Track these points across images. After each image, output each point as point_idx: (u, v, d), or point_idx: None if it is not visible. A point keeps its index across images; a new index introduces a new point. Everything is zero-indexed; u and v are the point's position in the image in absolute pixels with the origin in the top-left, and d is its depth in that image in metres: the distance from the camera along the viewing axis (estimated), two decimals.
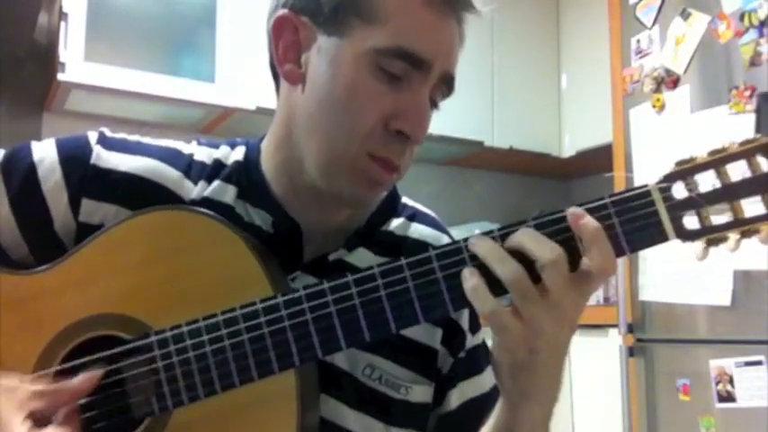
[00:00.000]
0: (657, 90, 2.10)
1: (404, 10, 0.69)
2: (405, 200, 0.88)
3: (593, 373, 2.59)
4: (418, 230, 0.84)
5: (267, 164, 0.79)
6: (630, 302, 2.15)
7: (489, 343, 0.70)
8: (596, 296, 2.81)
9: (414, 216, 0.85)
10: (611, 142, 2.31)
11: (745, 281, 1.84)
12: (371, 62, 0.69)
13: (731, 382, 1.86)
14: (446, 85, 0.74)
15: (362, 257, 0.78)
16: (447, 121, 2.90)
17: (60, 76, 2.17)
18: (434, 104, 0.75)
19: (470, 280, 0.62)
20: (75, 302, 0.69)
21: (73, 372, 0.66)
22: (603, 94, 2.46)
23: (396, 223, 0.83)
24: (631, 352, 2.15)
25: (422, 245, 0.82)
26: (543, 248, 0.60)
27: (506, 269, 0.60)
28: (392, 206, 0.84)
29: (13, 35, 2.45)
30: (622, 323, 2.16)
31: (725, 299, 1.87)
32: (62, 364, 0.68)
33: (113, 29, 2.27)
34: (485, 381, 0.83)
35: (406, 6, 0.69)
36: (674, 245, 0.63)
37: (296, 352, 0.64)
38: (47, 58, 2.44)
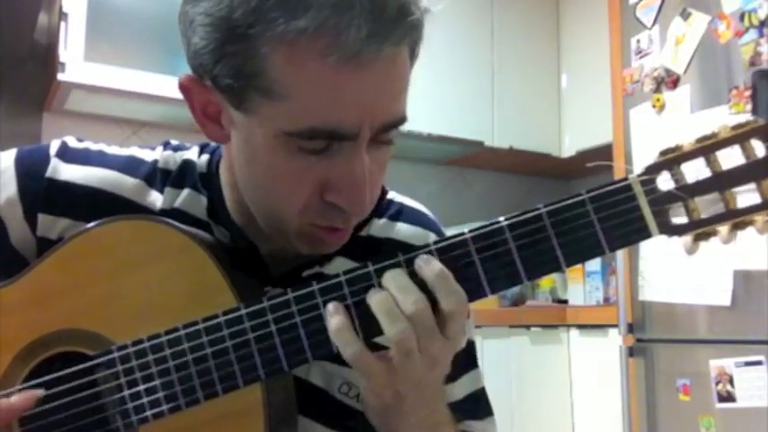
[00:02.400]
0: (657, 90, 2.10)
1: (304, 80, 0.57)
2: (391, 195, 0.82)
3: (593, 373, 2.59)
4: (402, 230, 0.79)
5: (225, 189, 0.74)
6: (630, 302, 2.15)
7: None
8: (596, 296, 2.81)
9: (399, 214, 0.80)
10: (611, 142, 2.31)
11: (745, 281, 1.84)
12: (287, 142, 0.59)
13: (731, 382, 1.86)
14: (393, 127, 0.63)
15: (340, 267, 0.72)
16: (447, 121, 2.90)
17: (60, 76, 2.17)
18: (387, 143, 0.65)
19: (335, 317, 0.59)
20: (35, 319, 0.67)
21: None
22: (603, 94, 2.46)
23: (377, 225, 0.78)
24: (631, 352, 2.15)
25: (404, 246, 0.75)
26: (406, 300, 0.57)
27: (397, 327, 0.57)
28: (376, 205, 0.77)
29: (13, 35, 2.44)
30: (622, 323, 2.16)
31: (725, 299, 1.87)
32: (26, 382, 0.66)
33: (113, 29, 2.27)
34: (454, 390, 0.79)
35: (305, 74, 0.57)
36: (662, 240, 0.60)
37: (261, 365, 0.61)
38: (47, 58, 2.44)
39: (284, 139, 0.59)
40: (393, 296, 0.58)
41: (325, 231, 0.65)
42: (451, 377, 0.78)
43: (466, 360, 0.81)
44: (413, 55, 0.64)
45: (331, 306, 0.59)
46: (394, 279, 0.59)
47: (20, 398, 0.63)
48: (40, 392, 0.64)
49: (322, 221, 0.64)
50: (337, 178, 0.61)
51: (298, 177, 0.61)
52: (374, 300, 0.59)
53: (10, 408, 0.62)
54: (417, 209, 0.83)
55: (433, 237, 0.80)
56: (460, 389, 0.80)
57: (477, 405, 0.81)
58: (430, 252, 0.61)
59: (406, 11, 0.58)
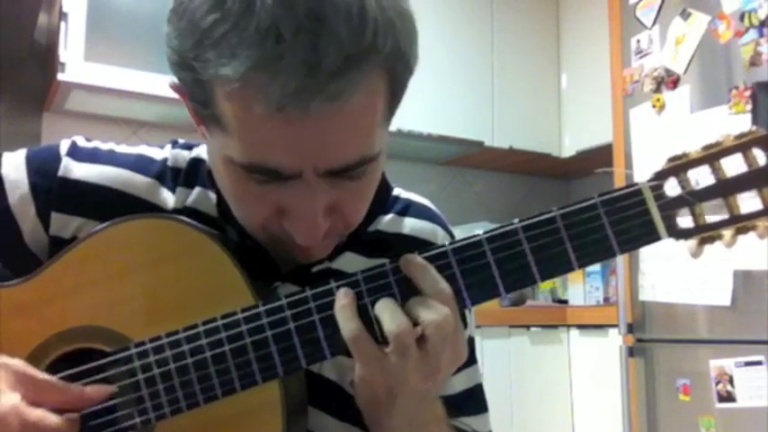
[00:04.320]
0: (657, 90, 2.10)
1: (239, 121, 0.56)
2: (397, 191, 0.83)
3: (593, 373, 2.59)
4: (410, 225, 0.80)
5: None
6: (630, 302, 2.16)
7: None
8: (596, 296, 2.81)
9: (406, 209, 0.81)
10: (611, 142, 2.31)
11: (745, 281, 1.84)
12: (238, 169, 0.59)
13: (731, 382, 1.86)
14: (349, 170, 0.59)
15: (349, 262, 0.75)
16: (447, 121, 2.90)
17: (60, 76, 2.17)
18: (354, 179, 0.61)
19: (343, 299, 0.60)
20: (52, 315, 0.67)
21: None
22: (603, 94, 2.46)
23: (385, 220, 0.79)
24: (631, 352, 2.15)
25: (414, 240, 0.79)
26: (429, 310, 0.58)
27: (394, 321, 0.58)
28: (380, 202, 0.78)
29: (13, 35, 2.44)
30: (622, 323, 2.16)
31: (725, 299, 1.87)
32: None
33: (113, 29, 2.27)
34: (453, 383, 0.80)
35: (239, 116, 0.56)
36: (669, 243, 0.62)
37: (279, 363, 0.62)
38: (47, 58, 2.44)
39: (235, 165, 0.59)
40: (416, 309, 0.59)
41: (294, 245, 0.64)
42: None
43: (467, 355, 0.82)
44: (395, 86, 0.60)
45: (342, 289, 0.60)
46: (422, 300, 0.59)
47: (94, 389, 0.63)
48: (113, 388, 0.64)
49: (287, 238, 0.64)
50: (289, 207, 0.61)
51: (253, 200, 0.62)
52: (380, 301, 0.59)
53: (82, 396, 0.63)
54: (424, 204, 0.84)
55: (440, 231, 0.82)
56: (459, 383, 0.80)
57: (473, 400, 0.82)
58: (445, 252, 0.61)
59: (353, 64, 0.53)
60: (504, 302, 2.84)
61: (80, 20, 2.19)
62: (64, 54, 2.17)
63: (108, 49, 2.25)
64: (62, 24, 2.17)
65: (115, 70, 2.24)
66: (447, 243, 0.62)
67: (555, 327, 2.67)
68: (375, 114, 0.59)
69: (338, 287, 0.62)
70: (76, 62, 2.18)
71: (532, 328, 2.62)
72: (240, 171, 0.59)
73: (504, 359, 2.55)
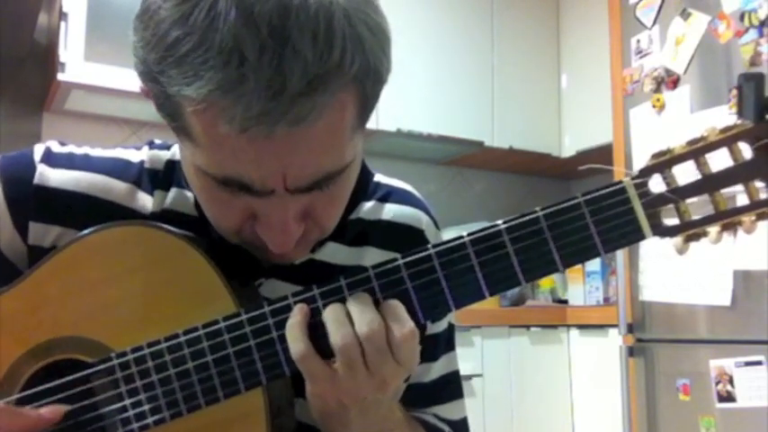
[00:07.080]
0: (657, 90, 2.10)
1: (211, 138, 0.55)
2: (378, 178, 0.82)
3: (593, 373, 2.59)
4: (392, 211, 0.79)
5: None
6: (630, 302, 2.15)
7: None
8: (596, 296, 2.81)
9: (388, 195, 0.80)
10: (611, 142, 2.31)
11: (745, 281, 1.84)
12: (210, 178, 0.58)
13: (731, 382, 1.86)
14: (319, 184, 0.59)
15: (332, 251, 0.75)
16: (447, 121, 2.90)
17: (60, 76, 2.17)
18: (325, 188, 0.60)
19: (295, 316, 0.59)
20: (32, 327, 0.66)
21: (37, 398, 0.64)
22: (603, 94, 2.46)
23: (366, 208, 0.78)
24: (631, 352, 2.15)
25: (397, 226, 0.79)
26: (362, 319, 0.57)
27: (339, 333, 0.57)
28: (361, 189, 0.77)
29: (13, 35, 2.44)
30: (622, 323, 2.16)
31: (725, 299, 1.87)
32: (23, 391, 0.66)
33: (113, 29, 2.27)
34: (431, 370, 0.80)
35: (211, 134, 0.54)
36: (658, 240, 0.61)
37: (262, 370, 0.61)
38: (47, 58, 2.44)
39: (206, 174, 0.59)
40: (350, 313, 0.58)
41: (268, 249, 0.63)
42: (432, 357, 0.80)
43: (446, 342, 0.82)
44: (365, 99, 0.59)
45: (296, 307, 0.60)
46: (357, 298, 0.59)
47: (49, 410, 0.63)
48: (66, 408, 0.64)
49: (260, 243, 0.63)
50: (260, 215, 0.60)
51: (224, 206, 0.61)
52: (328, 310, 0.59)
53: (39, 419, 0.62)
54: (405, 189, 0.83)
55: (423, 216, 0.81)
56: (435, 370, 0.81)
57: (447, 387, 0.82)
58: (429, 256, 0.61)
59: (319, 85, 0.52)
60: (504, 302, 2.85)
61: (80, 20, 2.19)
62: (64, 54, 2.17)
63: (108, 49, 2.25)
64: (62, 24, 2.17)
65: (115, 70, 2.24)
66: (430, 246, 0.61)
67: (555, 327, 2.67)
68: (343, 131, 0.58)
69: (321, 294, 0.61)
70: (76, 62, 2.18)
71: (532, 328, 2.62)
72: (211, 180, 0.59)
73: (504, 359, 2.55)
